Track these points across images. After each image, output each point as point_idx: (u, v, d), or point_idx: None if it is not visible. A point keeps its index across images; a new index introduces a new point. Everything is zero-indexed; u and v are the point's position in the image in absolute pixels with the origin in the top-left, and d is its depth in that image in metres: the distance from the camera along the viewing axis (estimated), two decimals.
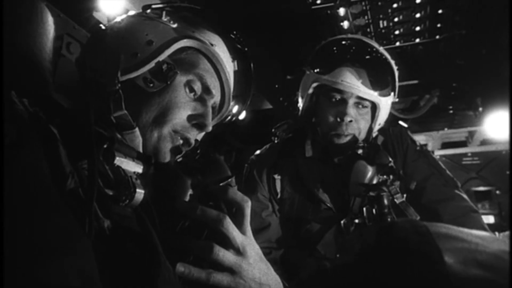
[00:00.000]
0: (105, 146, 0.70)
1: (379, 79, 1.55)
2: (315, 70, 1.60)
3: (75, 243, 0.52)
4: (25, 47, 0.72)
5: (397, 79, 1.62)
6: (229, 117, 1.08)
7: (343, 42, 1.66)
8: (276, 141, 1.85)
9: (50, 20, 0.79)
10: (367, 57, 1.58)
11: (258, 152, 1.86)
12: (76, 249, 0.51)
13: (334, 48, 1.66)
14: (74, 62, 1.05)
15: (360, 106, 1.56)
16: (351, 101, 1.54)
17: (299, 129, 1.80)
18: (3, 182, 0.47)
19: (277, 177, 1.71)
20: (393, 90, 1.61)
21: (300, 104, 1.71)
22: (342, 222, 1.55)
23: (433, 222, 1.61)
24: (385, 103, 1.58)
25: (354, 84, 1.49)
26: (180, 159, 0.93)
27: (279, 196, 1.69)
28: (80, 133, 0.66)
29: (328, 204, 1.61)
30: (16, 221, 0.46)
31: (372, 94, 1.52)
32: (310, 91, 1.62)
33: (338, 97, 1.55)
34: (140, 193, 0.71)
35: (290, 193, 1.68)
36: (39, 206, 0.50)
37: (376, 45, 1.63)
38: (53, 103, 0.71)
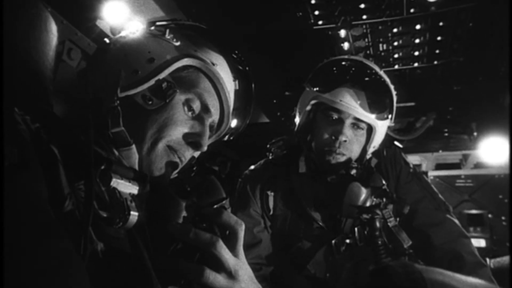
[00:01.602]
0: (102, 167, 0.71)
1: (378, 102, 1.56)
2: (315, 88, 1.60)
3: (70, 266, 0.52)
4: (28, 54, 0.73)
5: (395, 104, 1.63)
6: (228, 135, 1.07)
7: (345, 63, 1.67)
8: (270, 157, 1.85)
9: (53, 29, 0.80)
10: (367, 79, 1.59)
11: (252, 167, 1.85)
12: (71, 271, 0.52)
13: (335, 68, 1.67)
14: (74, 69, 1.05)
15: (356, 127, 1.57)
16: (348, 122, 1.55)
17: (294, 146, 1.79)
18: (1, 204, 0.47)
19: (270, 193, 1.70)
20: (391, 113, 1.62)
21: (297, 119, 1.71)
22: (333, 241, 1.55)
23: (424, 245, 1.60)
24: (382, 126, 1.59)
25: (352, 105, 1.50)
26: (176, 175, 0.93)
27: (271, 212, 1.68)
28: (79, 153, 0.67)
29: (320, 223, 1.61)
30: (13, 244, 0.46)
31: (369, 117, 1.53)
32: (308, 107, 1.63)
33: (335, 116, 1.56)
34: (134, 216, 0.71)
35: (283, 210, 1.68)
36: (36, 230, 0.51)
37: (377, 68, 1.64)
38: (53, 118, 0.71)
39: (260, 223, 1.68)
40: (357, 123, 1.55)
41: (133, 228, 0.73)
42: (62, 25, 1.93)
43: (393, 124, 1.67)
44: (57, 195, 0.60)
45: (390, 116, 1.61)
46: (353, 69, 1.62)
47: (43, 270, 0.48)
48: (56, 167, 0.62)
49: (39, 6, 0.79)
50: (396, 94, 1.64)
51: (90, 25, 1.90)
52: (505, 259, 2.69)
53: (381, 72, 1.64)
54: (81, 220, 0.61)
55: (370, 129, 1.58)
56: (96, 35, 1.92)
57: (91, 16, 1.92)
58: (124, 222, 0.70)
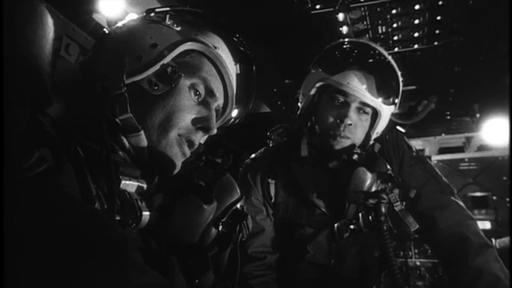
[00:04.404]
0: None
1: (385, 86, 1.53)
2: (322, 70, 1.58)
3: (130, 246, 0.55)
4: (25, 49, 0.72)
5: (401, 90, 1.60)
6: (232, 120, 1.07)
7: (354, 46, 1.65)
8: (271, 145, 1.83)
9: (49, 22, 0.79)
10: (375, 63, 1.57)
11: (253, 156, 1.84)
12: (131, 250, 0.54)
13: (343, 50, 1.64)
14: (72, 64, 1.05)
15: (362, 111, 1.55)
16: (354, 105, 1.53)
17: (294, 133, 1.78)
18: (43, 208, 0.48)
19: (271, 181, 1.69)
20: (397, 99, 1.59)
21: (301, 102, 1.68)
22: (335, 225, 1.53)
23: (429, 229, 1.60)
24: (387, 111, 1.57)
25: (360, 88, 1.48)
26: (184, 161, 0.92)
27: (273, 200, 1.68)
28: (91, 156, 0.68)
29: (323, 209, 1.60)
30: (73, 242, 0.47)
31: (375, 101, 1.51)
32: (314, 90, 1.60)
33: (341, 99, 1.54)
34: (145, 215, 0.73)
35: (284, 197, 1.67)
36: (90, 220, 0.52)
37: (385, 53, 1.62)
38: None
39: (263, 211, 1.68)
40: (362, 107, 1.54)
41: (146, 227, 0.74)
42: (58, 20, 1.91)
43: (397, 111, 1.65)
44: (87, 197, 0.62)
45: (396, 101, 1.59)
46: (361, 52, 1.60)
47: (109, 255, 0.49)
48: (83, 169, 0.63)
49: (34, 0, 0.78)
50: (402, 81, 1.61)
51: (86, 18, 1.88)
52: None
53: (389, 57, 1.61)
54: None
55: (374, 114, 1.56)
56: (92, 28, 1.91)
57: (87, 9, 1.90)
58: (137, 223, 0.72)
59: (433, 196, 1.58)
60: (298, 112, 1.70)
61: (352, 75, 1.50)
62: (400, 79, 1.60)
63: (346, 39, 1.72)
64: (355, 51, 1.61)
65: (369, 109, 1.55)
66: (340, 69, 1.52)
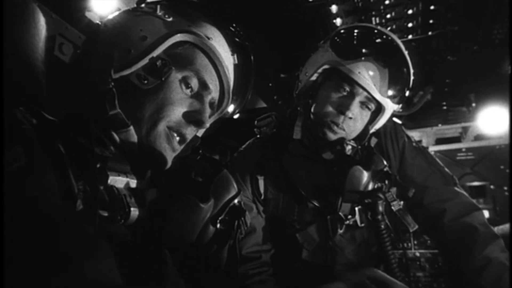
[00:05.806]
0: (97, 166, 0.70)
1: (397, 84, 1.44)
2: (334, 52, 1.46)
3: (98, 247, 0.55)
4: (18, 47, 0.72)
5: (408, 91, 1.52)
6: (230, 113, 1.04)
7: (374, 34, 1.50)
8: (259, 136, 1.71)
9: (42, 21, 0.79)
10: (393, 59, 1.45)
11: (241, 148, 1.73)
12: (99, 252, 0.54)
13: (363, 37, 1.50)
14: (67, 63, 1.04)
15: (365, 106, 1.45)
16: (358, 99, 1.42)
17: (284, 123, 1.68)
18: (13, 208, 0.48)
19: (260, 177, 1.60)
20: (404, 98, 1.51)
21: (300, 81, 1.58)
22: (328, 217, 1.48)
23: (436, 222, 1.58)
24: (390, 110, 1.48)
25: (370, 81, 1.38)
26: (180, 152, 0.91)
27: (262, 197, 1.59)
28: (78, 152, 0.67)
29: (315, 203, 1.53)
30: (28, 246, 0.47)
31: (383, 98, 1.42)
32: (320, 71, 1.49)
33: (347, 89, 1.43)
34: (134, 211, 0.72)
35: (274, 193, 1.58)
36: (56, 222, 0.52)
37: (403, 48, 1.50)
38: (43, 117, 0.71)
39: (253, 209, 1.59)
40: (367, 102, 1.44)
41: (135, 223, 0.73)
42: (51, 19, 1.90)
43: (400, 110, 1.57)
44: (68, 195, 0.61)
45: (403, 100, 1.51)
46: (381, 43, 1.47)
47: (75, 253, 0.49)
48: (64, 166, 0.62)
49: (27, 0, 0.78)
50: (413, 80, 1.53)
51: (79, 15, 1.87)
52: (508, 226, 2.71)
53: (407, 55, 1.50)
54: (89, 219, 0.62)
55: (375, 112, 1.48)
56: (84, 25, 1.89)
57: (79, 7, 1.89)
58: (126, 219, 0.71)
59: (439, 189, 1.54)
60: (297, 91, 1.60)
61: (365, 65, 1.39)
62: (411, 78, 1.51)
63: (369, 25, 1.58)
64: (375, 40, 1.48)
65: (373, 105, 1.45)
66: (354, 56, 1.41)
